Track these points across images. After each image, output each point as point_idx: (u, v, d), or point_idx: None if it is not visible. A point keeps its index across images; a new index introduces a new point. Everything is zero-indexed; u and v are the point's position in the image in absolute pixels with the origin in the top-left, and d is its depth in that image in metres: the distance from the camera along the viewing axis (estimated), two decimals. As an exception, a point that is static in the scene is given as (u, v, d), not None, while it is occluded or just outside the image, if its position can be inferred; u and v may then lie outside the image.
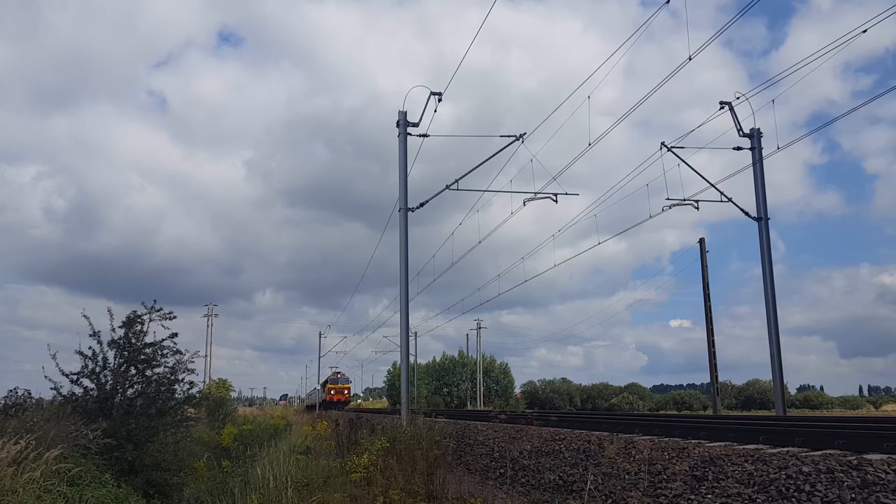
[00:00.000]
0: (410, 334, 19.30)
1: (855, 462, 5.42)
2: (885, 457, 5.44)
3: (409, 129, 17.55)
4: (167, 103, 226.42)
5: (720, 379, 30.36)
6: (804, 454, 6.15)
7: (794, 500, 5.31)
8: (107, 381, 12.60)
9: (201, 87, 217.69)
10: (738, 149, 19.09)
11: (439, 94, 16.57)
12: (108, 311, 13.22)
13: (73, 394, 12.49)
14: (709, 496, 6.03)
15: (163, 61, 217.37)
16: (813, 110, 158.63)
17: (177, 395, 13.62)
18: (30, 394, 13.45)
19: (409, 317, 17.71)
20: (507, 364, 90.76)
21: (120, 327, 13.00)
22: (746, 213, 19.11)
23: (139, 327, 13.14)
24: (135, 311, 13.28)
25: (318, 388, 75.74)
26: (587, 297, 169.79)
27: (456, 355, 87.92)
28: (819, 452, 6.18)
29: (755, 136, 18.94)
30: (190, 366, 13.79)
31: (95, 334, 12.77)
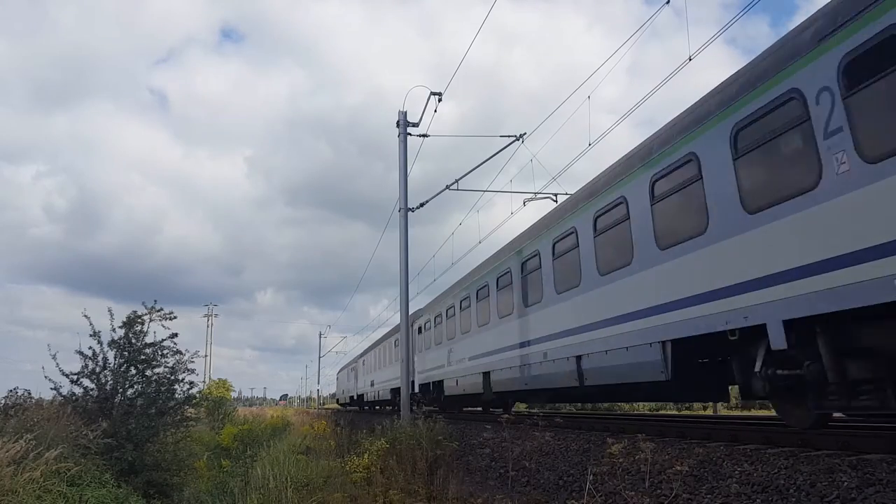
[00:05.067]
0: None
1: (855, 462, 5.42)
2: (885, 457, 5.44)
3: (410, 130, 17.55)
4: (168, 101, 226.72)
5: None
6: (804, 454, 6.14)
7: (793, 500, 5.31)
8: (107, 381, 12.61)
9: (202, 84, 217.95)
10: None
11: (439, 94, 16.56)
12: (109, 311, 13.25)
13: (73, 394, 12.50)
14: (709, 496, 6.02)
15: (163, 58, 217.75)
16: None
17: (177, 396, 13.63)
18: (30, 394, 13.50)
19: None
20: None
21: (120, 327, 13.02)
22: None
23: (139, 327, 13.16)
24: (135, 312, 13.31)
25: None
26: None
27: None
28: (819, 452, 6.18)
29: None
30: (190, 366, 13.82)
31: (96, 334, 12.79)
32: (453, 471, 9.42)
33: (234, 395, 64.38)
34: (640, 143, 9.62)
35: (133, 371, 12.94)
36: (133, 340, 13.00)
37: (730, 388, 9.37)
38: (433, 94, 16.64)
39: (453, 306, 18.23)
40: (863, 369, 5.99)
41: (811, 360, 6.18)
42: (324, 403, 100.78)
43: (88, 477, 8.82)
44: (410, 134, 17.55)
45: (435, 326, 20.80)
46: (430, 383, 21.19)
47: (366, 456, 10.54)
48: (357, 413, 37.25)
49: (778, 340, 6.24)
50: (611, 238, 9.59)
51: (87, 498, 8.14)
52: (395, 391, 26.55)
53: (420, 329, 23.02)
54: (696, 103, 8.19)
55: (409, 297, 17.40)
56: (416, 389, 22.27)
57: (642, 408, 30.10)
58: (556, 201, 17.62)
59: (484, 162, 17.83)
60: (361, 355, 40.84)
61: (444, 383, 18.92)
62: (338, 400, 58.78)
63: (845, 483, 5.07)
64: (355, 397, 42.95)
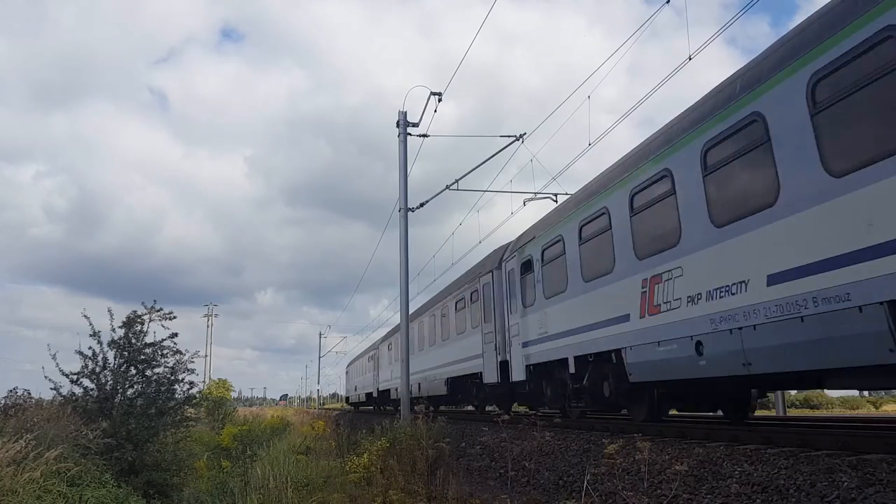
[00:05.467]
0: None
1: (855, 462, 5.42)
2: (885, 457, 5.43)
3: (410, 130, 17.56)
4: (168, 101, 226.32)
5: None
6: (804, 454, 6.14)
7: (793, 500, 5.30)
8: (107, 382, 12.60)
9: (202, 84, 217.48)
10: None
11: (439, 94, 16.57)
12: (109, 311, 13.25)
13: (73, 394, 12.49)
14: (708, 496, 6.02)
15: (163, 58, 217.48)
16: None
17: (177, 396, 13.62)
18: (30, 394, 13.51)
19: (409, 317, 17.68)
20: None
21: (120, 327, 13.01)
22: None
23: (139, 327, 13.16)
24: (135, 312, 13.30)
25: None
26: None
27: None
28: (819, 452, 6.18)
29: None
30: (190, 366, 13.81)
31: (95, 334, 12.78)
32: (453, 471, 9.42)
33: (234, 395, 63.95)
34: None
35: (133, 371, 12.93)
36: (133, 340, 12.99)
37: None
38: (433, 94, 16.65)
39: (667, 176, 8.57)
40: None
41: None
42: (324, 403, 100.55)
43: (88, 477, 8.81)
44: (410, 134, 17.56)
45: (583, 245, 11.04)
46: (566, 360, 11.50)
47: (365, 456, 10.54)
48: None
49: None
50: None
51: (86, 498, 8.13)
52: (457, 381, 18.47)
53: (529, 264, 13.47)
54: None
55: (410, 297, 17.42)
56: (514, 376, 14.01)
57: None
58: (556, 201, 17.29)
59: (484, 162, 17.83)
60: (387, 337, 30.73)
61: (628, 354, 9.51)
62: (348, 399, 47.60)
63: (845, 483, 5.07)
64: (375, 394, 33.41)
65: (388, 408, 30.32)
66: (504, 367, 14.69)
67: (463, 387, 18.53)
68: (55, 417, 11.30)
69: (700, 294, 7.84)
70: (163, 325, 13.41)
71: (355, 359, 44.56)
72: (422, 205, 18.21)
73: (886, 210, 5.45)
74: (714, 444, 7.54)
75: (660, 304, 8.70)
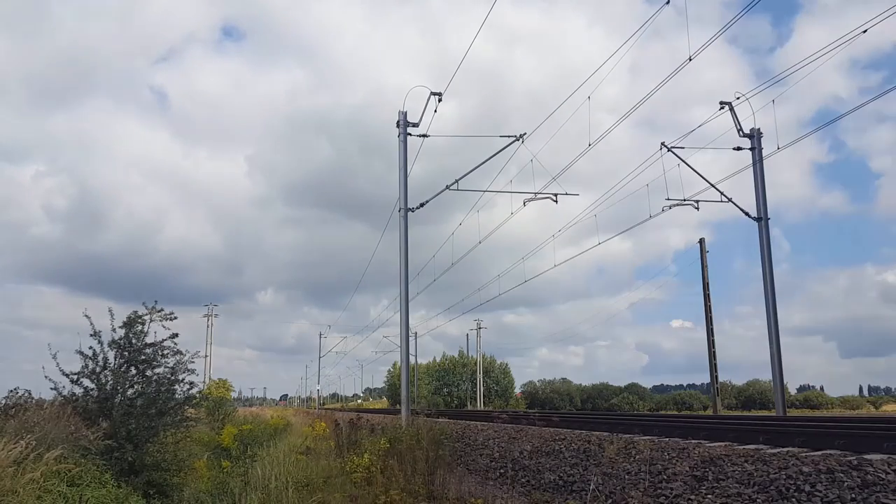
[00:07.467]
0: (410, 334, 19.32)
1: (855, 462, 5.42)
2: (885, 457, 5.44)
3: (410, 129, 17.57)
4: (168, 99, 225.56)
5: (720, 379, 30.35)
6: (804, 454, 6.15)
7: (793, 500, 5.31)
8: (107, 382, 12.59)
9: (203, 82, 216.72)
10: (739, 149, 19.12)
11: (439, 94, 16.59)
12: (109, 311, 13.23)
13: (74, 394, 12.48)
14: (709, 496, 6.03)
15: (163, 56, 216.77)
16: (819, 107, 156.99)
17: (177, 396, 13.62)
18: (30, 394, 13.47)
19: (409, 317, 17.73)
20: (506, 364, 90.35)
21: (120, 327, 13.00)
22: (746, 214, 19.12)
23: (140, 328, 13.13)
24: (135, 312, 13.28)
25: None
26: (590, 297, 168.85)
27: (456, 355, 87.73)
28: (819, 452, 6.19)
29: (755, 136, 18.97)
30: (190, 366, 13.80)
31: (96, 334, 12.76)
32: (453, 471, 9.43)
33: (234, 395, 63.77)
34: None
35: (133, 371, 12.93)
36: (133, 341, 12.97)
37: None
38: (433, 94, 16.68)
39: None
40: None
41: None
42: (324, 403, 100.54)
43: (88, 477, 8.81)
44: (411, 134, 17.59)
45: None
46: None
47: (366, 456, 10.54)
48: (356, 413, 27.58)
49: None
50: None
51: (87, 498, 8.13)
52: None
53: None
54: None
55: (409, 298, 17.45)
56: None
57: (642, 407, 29.98)
58: (556, 201, 17.64)
59: (484, 162, 17.89)
60: None
61: None
62: None
63: (845, 483, 5.08)
64: None
65: None
66: None
67: None
68: (55, 418, 11.29)
69: None
70: (163, 326, 13.39)
71: None
72: (422, 205, 18.23)
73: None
74: (714, 444, 7.55)
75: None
